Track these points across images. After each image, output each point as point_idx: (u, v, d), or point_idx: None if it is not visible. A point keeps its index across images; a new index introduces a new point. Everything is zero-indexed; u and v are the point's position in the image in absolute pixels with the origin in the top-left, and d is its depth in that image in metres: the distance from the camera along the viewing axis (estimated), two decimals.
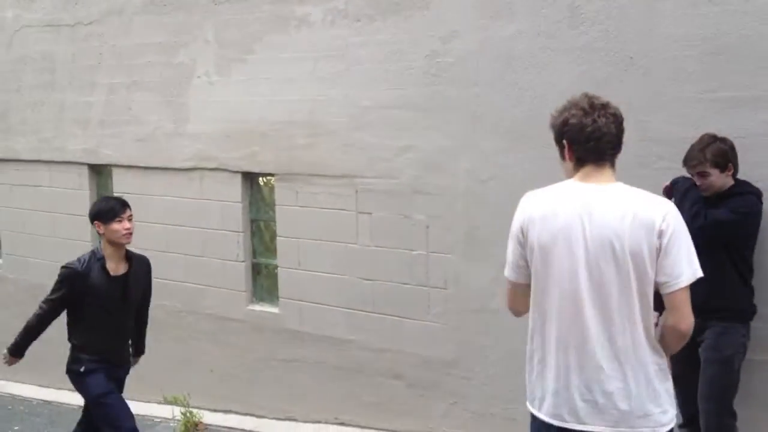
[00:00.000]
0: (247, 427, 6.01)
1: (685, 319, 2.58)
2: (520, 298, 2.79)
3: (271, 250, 6.14)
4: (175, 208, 6.53)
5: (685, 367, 3.91)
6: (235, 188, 6.17)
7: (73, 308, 4.39)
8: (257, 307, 6.18)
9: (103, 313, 4.38)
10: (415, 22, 5.18)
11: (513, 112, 4.86)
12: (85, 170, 7.17)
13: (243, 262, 6.19)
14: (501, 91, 4.89)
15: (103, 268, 4.38)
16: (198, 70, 6.27)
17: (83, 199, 7.17)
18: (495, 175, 4.98)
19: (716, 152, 3.93)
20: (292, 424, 5.92)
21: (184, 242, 6.49)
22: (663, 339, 2.65)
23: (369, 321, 5.54)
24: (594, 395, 2.59)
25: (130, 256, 4.53)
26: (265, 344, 6.08)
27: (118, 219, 4.38)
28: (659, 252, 2.52)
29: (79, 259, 4.42)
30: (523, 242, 2.69)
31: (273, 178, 6.02)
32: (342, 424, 5.75)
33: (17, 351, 4.48)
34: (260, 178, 6.19)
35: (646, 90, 4.42)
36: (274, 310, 6.06)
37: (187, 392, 6.22)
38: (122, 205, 4.46)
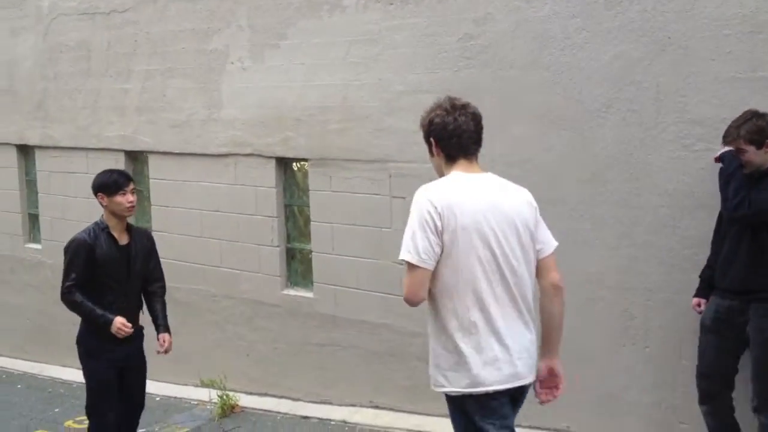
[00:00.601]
0: (282, 410, 6.07)
1: (559, 274, 3.13)
2: (425, 285, 3.02)
3: (305, 235, 6.17)
4: (210, 193, 6.58)
5: (714, 342, 4.09)
6: (269, 174, 6.20)
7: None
8: (291, 292, 6.22)
9: (111, 282, 4.38)
10: (448, 4, 5.14)
11: (548, 95, 4.82)
12: (122, 157, 7.25)
13: (277, 247, 6.22)
14: (535, 74, 4.85)
15: (110, 236, 4.42)
16: (231, 56, 6.30)
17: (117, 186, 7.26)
18: (528, 159, 4.94)
19: (752, 129, 3.88)
20: (327, 407, 5.96)
21: (220, 227, 6.54)
22: (555, 297, 3.11)
23: (403, 305, 5.50)
24: (524, 353, 3.04)
25: (129, 228, 4.57)
26: (299, 328, 6.12)
27: (121, 192, 4.42)
28: (536, 225, 3.09)
29: (85, 231, 4.45)
30: (440, 230, 2.95)
31: (306, 164, 6.04)
32: (376, 407, 5.78)
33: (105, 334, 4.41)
34: (294, 164, 6.21)
35: (684, 70, 4.35)
36: (309, 294, 6.09)
37: (223, 375, 6.29)
38: (126, 179, 4.51)
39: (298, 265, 6.29)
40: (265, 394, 6.34)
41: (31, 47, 7.86)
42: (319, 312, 6.00)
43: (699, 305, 4.29)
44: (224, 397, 6.10)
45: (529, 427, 5.11)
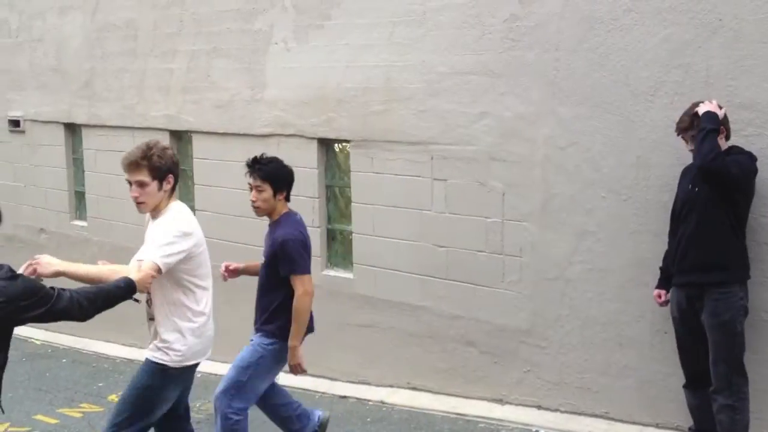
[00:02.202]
0: (320, 389, 6.12)
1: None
2: None
3: (346, 216, 6.19)
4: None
5: (685, 332, 4.28)
6: (311, 154, 6.22)
7: None
8: (332, 273, 6.25)
9: None
10: None
11: (594, 78, 4.75)
12: (167, 136, 7.32)
13: (318, 227, 6.25)
14: (582, 56, 4.78)
15: None
16: (275, 36, 6.32)
17: None
18: (574, 142, 4.88)
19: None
20: (365, 387, 5.99)
21: None
22: None
23: (442, 288, 5.55)
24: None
25: None
26: (339, 309, 6.16)
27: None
28: None
29: None
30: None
31: (349, 145, 6.04)
32: (414, 389, 5.79)
33: None
34: (336, 145, 6.22)
35: (735, 53, 4.25)
36: (349, 275, 6.12)
37: None
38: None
39: (338, 246, 6.31)
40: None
41: (79, 26, 7.97)
42: (358, 293, 6.02)
43: (660, 296, 4.43)
44: None
45: (568, 412, 5.09)
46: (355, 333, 6.09)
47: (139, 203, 3.73)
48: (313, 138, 6.20)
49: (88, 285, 3.36)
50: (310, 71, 6.12)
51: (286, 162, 6.29)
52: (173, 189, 3.78)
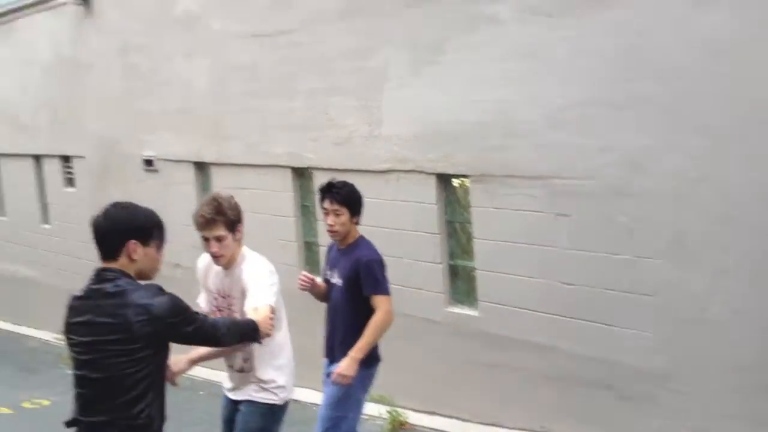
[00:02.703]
0: (452, 430, 6.06)
1: None
2: None
3: (468, 252, 6.11)
4: (372, 209, 6.59)
5: None
6: (430, 190, 6.19)
7: None
8: (456, 309, 6.19)
9: None
10: (610, 15, 4.90)
11: (722, 108, 4.47)
12: (289, 173, 7.49)
13: (440, 263, 6.21)
14: (708, 86, 4.51)
15: None
16: (390, 73, 6.33)
17: (287, 200, 7.52)
18: (705, 175, 4.61)
19: None
20: (498, 429, 5.87)
21: (382, 243, 6.47)
22: None
23: (573, 327, 5.37)
24: None
25: None
26: (465, 347, 6.08)
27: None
28: None
29: None
30: None
31: (467, 180, 5.97)
32: None
33: None
34: (455, 180, 6.16)
35: None
36: (473, 312, 6.03)
37: (392, 392, 6.37)
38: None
39: (461, 283, 6.24)
40: (434, 413, 6.35)
41: (205, 69, 8.26)
42: (484, 331, 5.93)
43: None
44: (393, 413, 6.18)
45: None
46: (485, 372, 5.99)
47: (218, 257, 3.82)
48: (432, 173, 6.16)
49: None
50: (425, 107, 6.09)
51: (406, 198, 6.37)
52: (241, 237, 3.89)
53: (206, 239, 3.80)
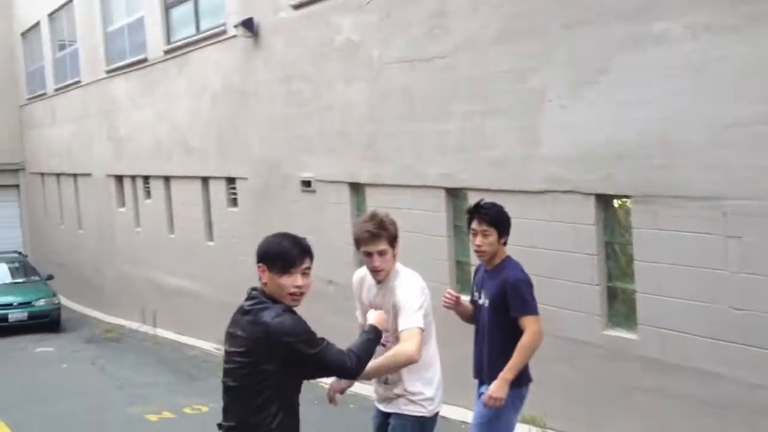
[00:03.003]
0: None
1: None
2: None
3: (628, 274, 5.95)
4: (526, 230, 6.61)
5: None
6: (588, 210, 6.10)
7: None
8: (613, 333, 6.03)
9: None
10: None
11: None
12: (443, 193, 7.59)
13: (597, 285, 6.08)
14: None
15: None
16: (549, 93, 6.32)
17: (440, 220, 7.62)
18: None
19: None
20: None
21: (538, 264, 6.49)
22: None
23: (740, 354, 5.11)
24: None
25: None
26: (622, 371, 5.91)
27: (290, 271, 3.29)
28: None
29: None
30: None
31: (629, 200, 5.84)
32: None
33: None
34: (615, 200, 6.04)
35: None
36: (632, 336, 5.86)
37: (543, 413, 6.27)
38: (301, 252, 3.30)
39: (620, 305, 6.08)
40: None
41: (362, 93, 8.56)
42: (644, 355, 5.74)
43: None
44: None
45: None
46: (642, 398, 5.79)
47: (378, 271, 3.94)
48: (590, 194, 6.07)
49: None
50: (585, 126, 6.03)
51: (563, 219, 6.30)
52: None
53: (369, 254, 3.93)
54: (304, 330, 3.18)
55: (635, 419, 5.86)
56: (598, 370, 6.13)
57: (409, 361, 3.71)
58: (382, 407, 4.09)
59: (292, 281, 3.22)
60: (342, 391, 3.92)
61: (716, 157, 5.15)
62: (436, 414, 4.04)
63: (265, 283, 3.26)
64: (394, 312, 3.88)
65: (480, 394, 4.50)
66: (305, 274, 3.27)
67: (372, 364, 3.74)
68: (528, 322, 4.32)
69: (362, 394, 8.45)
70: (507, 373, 4.29)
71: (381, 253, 3.89)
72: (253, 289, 3.29)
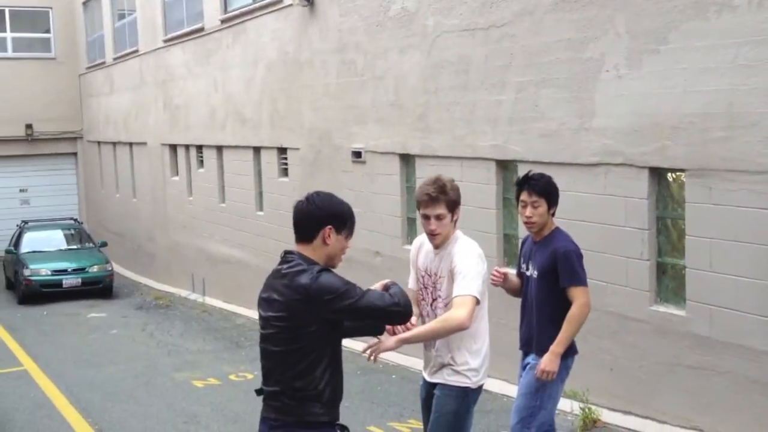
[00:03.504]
0: (648, 431, 5.81)
1: None
2: None
3: (679, 250, 5.84)
4: (577, 203, 6.54)
5: None
6: (641, 184, 5.99)
7: None
8: (661, 308, 5.93)
9: None
10: None
11: None
12: (493, 165, 7.53)
13: (647, 260, 5.98)
14: None
15: None
16: (607, 63, 6.20)
17: (490, 192, 7.57)
18: None
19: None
20: None
21: (586, 238, 6.42)
22: None
23: None
24: None
25: None
26: (669, 347, 5.81)
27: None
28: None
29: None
30: None
31: (683, 174, 5.71)
32: None
33: None
34: (669, 174, 5.91)
35: None
36: (681, 312, 5.75)
37: (585, 388, 6.20)
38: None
39: (669, 281, 5.97)
40: (629, 413, 6.12)
41: (416, 64, 8.52)
42: (692, 332, 5.64)
43: None
44: (586, 410, 6.01)
45: None
46: (688, 375, 5.69)
47: (435, 235, 3.92)
48: (644, 167, 5.96)
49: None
50: (642, 98, 5.91)
51: (615, 192, 6.20)
52: (457, 220, 3.97)
53: (427, 217, 3.91)
54: (343, 283, 3.17)
55: (680, 397, 5.76)
56: (644, 346, 6.04)
57: (460, 328, 3.70)
58: (428, 377, 4.07)
59: (348, 244, 3.30)
60: (388, 350, 3.86)
61: None
62: (481, 386, 4.01)
63: (327, 245, 3.22)
64: (450, 277, 3.88)
65: (525, 366, 4.48)
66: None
67: (422, 327, 3.80)
68: (577, 294, 4.30)
69: (404, 365, 8.50)
70: (557, 346, 4.28)
71: (438, 217, 3.88)
72: (288, 252, 3.26)
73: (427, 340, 3.90)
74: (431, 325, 3.77)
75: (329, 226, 3.23)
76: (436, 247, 3.98)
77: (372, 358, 3.65)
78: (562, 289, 4.32)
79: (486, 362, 4.01)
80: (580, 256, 4.38)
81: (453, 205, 3.90)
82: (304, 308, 3.11)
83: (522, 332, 4.58)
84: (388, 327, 3.65)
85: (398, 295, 3.28)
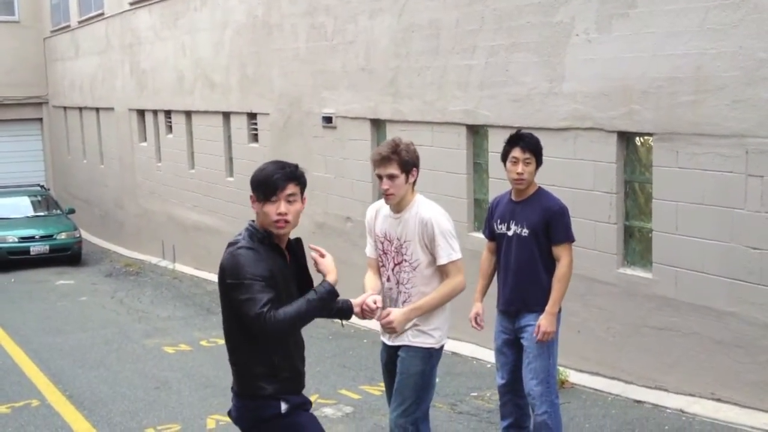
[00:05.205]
0: (614, 392, 5.93)
1: None
2: None
3: (646, 213, 5.91)
4: (547, 167, 6.50)
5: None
6: (609, 148, 6.04)
7: None
8: (628, 271, 6.02)
9: None
10: None
11: None
12: (464, 131, 7.53)
13: (615, 224, 6.05)
14: None
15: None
16: (577, 27, 6.21)
17: (461, 158, 7.58)
18: None
19: None
20: (662, 393, 5.69)
21: None
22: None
23: (754, 293, 5.09)
24: None
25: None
26: (635, 309, 5.91)
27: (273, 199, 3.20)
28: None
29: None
30: None
31: (651, 138, 5.77)
32: (718, 400, 5.39)
33: None
34: (637, 138, 5.97)
35: None
36: (647, 275, 5.84)
37: None
38: (286, 179, 3.19)
39: (636, 244, 6.06)
40: (596, 374, 6.24)
41: (386, 28, 8.45)
42: (657, 294, 5.73)
43: None
44: None
45: None
46: (653, 336, 5.80)
47: (388, 195, 3.98)
48: (613, 131, 6.00)
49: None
50: (611, 62, 5.93)
51: (584, 156, 6.24)
52: (415, 182, 4.02)
53: (380, 177, 3.97)
54: (244, 274, 3.04)
55: (646, 358, 5.87)
56: (612, 308, 6.13)
57: (461, 291, 4.00)
58: (389, 341, 4.12)
59: (275, 208, 3.12)
60: (401, 322, 3.95)
61: (746, 93, 5.06)
62: (443, 346, 4.09)
63: (258, 213, 3.19)
64: (422, 242, 3.94)
65: (519, 328, 4.47)
66: (290, 201, 3.15)
67: (430, 297, 3.93)
68: (566, 251, 4.42)
69: (375, 330, 8.55)
70: (553, 306, 4.38)
71: (391, 177, 3.91)
72: (252, 221, 3.24)
73: (435, 309, 3.97)
74: (438, 294, 3.95)
75: (251, 195, 3.23)
76: (396, 211, 4.01)
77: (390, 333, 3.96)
78: (549, 246, 4.39)
79: (447, 322, 4.09)
80: (569, 214, 4.52)
81: (406, 166, 3.92)
82: (221, 283, 3.15)
83: (506, 293, 4.53)
84: (356, 310, 3.59)
85: (272, 319, 3.00)
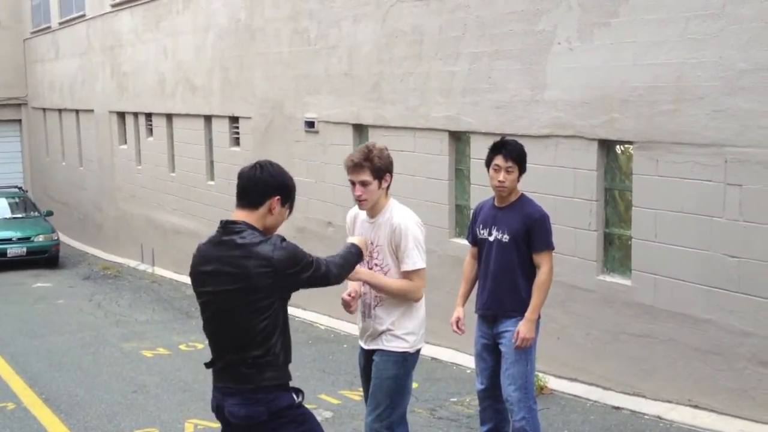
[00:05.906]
0: (592, 398, 5.96)
1: None
2: None
3: (626, 221, 5.96)
4: (528, 174, 6.52)
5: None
6: (590, 156, 6.08)
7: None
8: (608, 278, 6.06)
9: None
10: None
11: None
12: (446, 137, 7.55)
13: (595, 231, 6.09)
14: None
15: None
16: (559, 36, 6.25)
17: (443, 164, 7.60)
18: None
19: None
20: (641, 400, 5.73)
21: None
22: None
23: (732, 301, 5.14)
24: None
25: None
26: (614, 316, 5.95)
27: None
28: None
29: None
30: None
31: (631, 146, 5.82)
32: (696, 407, 5.43)
33: None
34: (618, 146, 6.02)
35: None
36: (626, 282, 5.89)
37: None
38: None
39: (615, 252, 6.10)
40: (575, 380, 6.27)
41: (370, 33, 8.46)
42: (636, 301, 5.78)
43: None
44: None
45: None
46: (632, 342, 5.84)
47: (361, 201, 3.97)
48: (594, 139, 6.05)
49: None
50: (593, 71, 5.98)
51: (565, 164, 6.28)
52: (389, 187, 4.02)
53: (353, 183, 3.96)
54: (302, 257, 3.18)
55: (624, 364, 5.91)
56: (591, 315, 6.17)
57: (414, 300, 3.97)
58: (365, 345, 4.12)
59: (286, 217, 3.30)
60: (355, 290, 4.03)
61: (725, 103, 5.12)
62: (418, 350, 4.08)
63: (272, 215, 3.19)
64: (390, 248, 3.93)
65: (498, 334, 4.48)
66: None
67: (384, 278, 3.93)
68: (546, 258, 4.42)
69: (355, 334, 8.53)
70: (532, 313, 4.38)
71: (363, 184, 3.91)
72: (231, 222, 3.17)
73: (379, 291, 3.96)
74: (391, 284, 3.94)
75: (277, 197, 3.20)
76: (371, 216, 4.02)
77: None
78: (530, 253, 4.40)
79: (423, 327, 4.08)
80: (550, 221, 4.54)
81: (379, 172, 3.91)
82: (265, 279, 3.08)
83: (483, 297, 4.55)
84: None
85: (336, 270, 3.36)
